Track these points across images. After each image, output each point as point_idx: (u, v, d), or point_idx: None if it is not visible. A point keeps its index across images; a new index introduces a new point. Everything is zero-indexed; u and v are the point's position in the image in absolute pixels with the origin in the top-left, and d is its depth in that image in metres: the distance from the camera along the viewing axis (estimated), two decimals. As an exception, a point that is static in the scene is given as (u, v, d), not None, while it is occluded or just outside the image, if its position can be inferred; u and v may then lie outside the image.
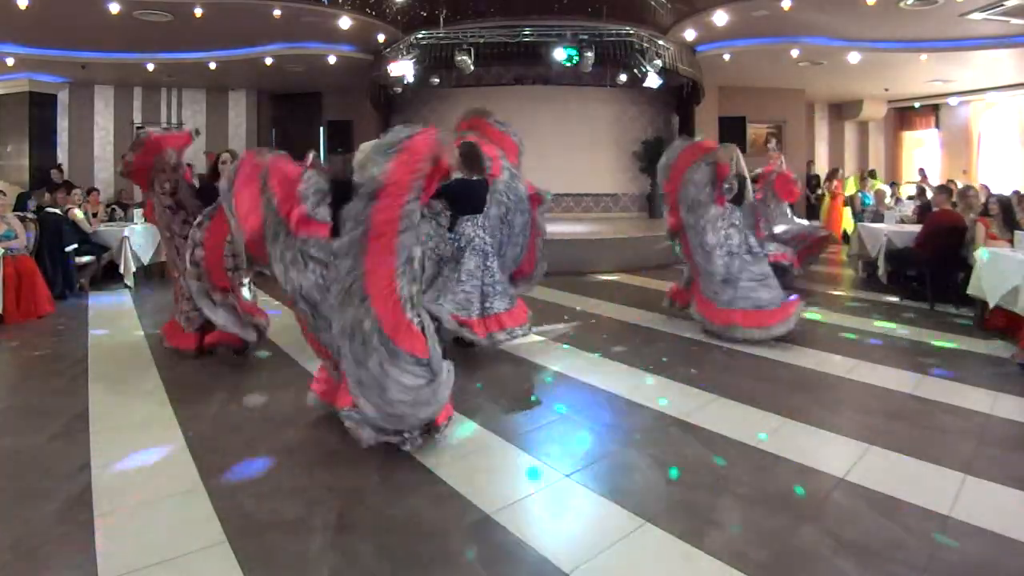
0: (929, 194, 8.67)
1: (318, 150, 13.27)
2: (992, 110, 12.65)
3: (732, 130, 11.67)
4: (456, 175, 4.75)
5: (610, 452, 3.04)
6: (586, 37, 9.88)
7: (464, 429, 3.31)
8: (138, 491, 2.62)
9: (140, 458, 2.95)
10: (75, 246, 7.03)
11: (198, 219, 4.42)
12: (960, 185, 7.90)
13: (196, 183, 5.13)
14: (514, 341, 4.56)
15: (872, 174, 12.82)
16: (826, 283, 7.77)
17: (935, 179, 11.95)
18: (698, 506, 2.56)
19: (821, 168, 13.80)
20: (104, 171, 12.38)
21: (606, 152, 12.30)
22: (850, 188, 12.24)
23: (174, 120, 12.95)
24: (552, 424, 3.40)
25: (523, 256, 4.82)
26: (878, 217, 9.08)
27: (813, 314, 5.94)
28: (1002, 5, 7.73)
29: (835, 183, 11.68)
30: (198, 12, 8.15)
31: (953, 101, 12.96)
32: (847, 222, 11.41)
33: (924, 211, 7.49)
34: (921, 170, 12.46)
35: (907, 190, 11.74)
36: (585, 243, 8.96)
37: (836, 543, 2.23)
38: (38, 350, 4.93)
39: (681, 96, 11.97)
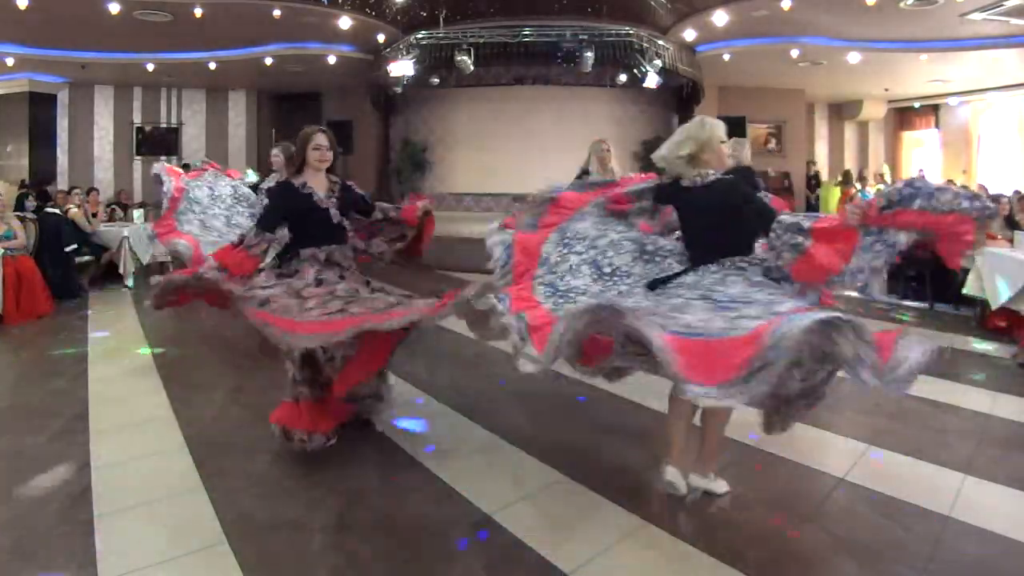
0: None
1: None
2: (992, 110, 12.65)
3: (732, 130, 11.63)
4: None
5: (610, 452, 3.04)
6: (586, 37, 9.89)
7: (464, 430, 3.31)
8: (138, 491, 2.61)
9: (140, 458, 2.95)
10: (75, 246, 7.03)
11: None
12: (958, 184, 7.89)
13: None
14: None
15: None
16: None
17: (935, 180, 11.93)
18: (698, 506, 2.55)
19: (821, 168, 13.80)
20: (104, 171, 12.39)
21: (607, 152, 12.31)
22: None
23: (174, 120, 12.96)
24: (552, 424, 3.40)
25: None
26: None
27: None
28: (1002, 5, 7.74)
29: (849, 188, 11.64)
30: (198, 12, 8.16)
31: (953, 101, 12.96)
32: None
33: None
34: (920, 171, 12.45)
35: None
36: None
37: (836, 543, 2.23)
38: (38, 350, 4.93)
39: (681, 96, 11.98)
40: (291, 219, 3.02)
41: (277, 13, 8.61)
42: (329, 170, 3.12)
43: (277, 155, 5.05)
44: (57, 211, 7.22)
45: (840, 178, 12.67)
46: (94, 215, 8.02)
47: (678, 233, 2.82)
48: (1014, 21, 8.27)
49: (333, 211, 3.04)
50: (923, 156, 13.90)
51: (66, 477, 2.74)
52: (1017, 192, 7.44)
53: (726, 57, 10.67)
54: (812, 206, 12.61)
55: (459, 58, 9.89)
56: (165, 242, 4.48)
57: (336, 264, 3.04)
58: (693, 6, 9.48)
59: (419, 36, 10.09)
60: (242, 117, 13.19)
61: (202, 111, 13.07)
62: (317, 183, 3.07)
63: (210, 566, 2.12)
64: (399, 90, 11.23)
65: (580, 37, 9.88)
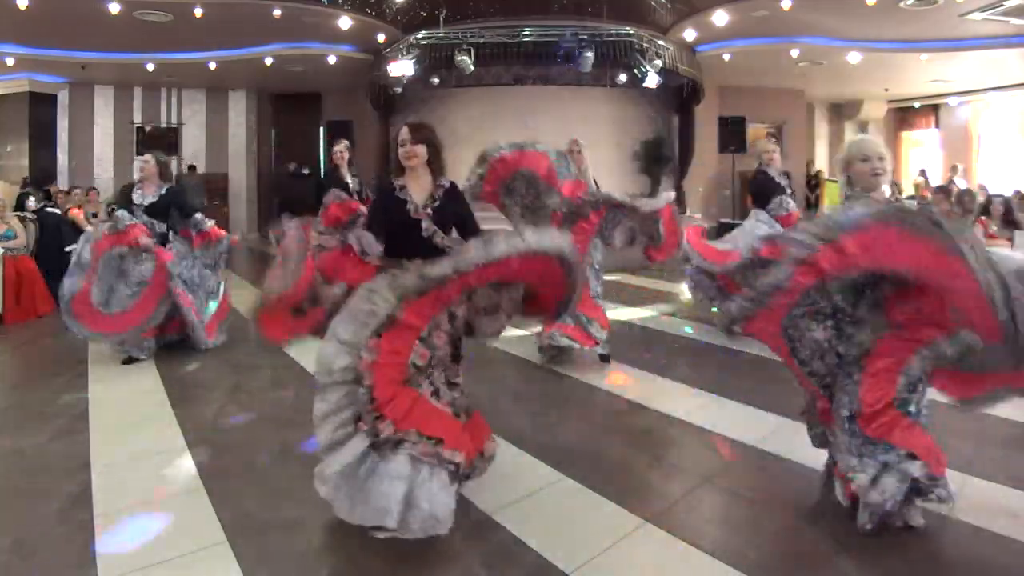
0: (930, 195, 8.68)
1: (317, 150, 13.28)
2: (992, 110, 12.65)
3: (732, 130, 11.67)
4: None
5: (610, 452, 3.04)
6: (586, 37, 9.89)
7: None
8: (138, 491, 2.62)
9: (140, 458, 2.95)
10: (75, 246, 7.01)
11: None
12: (961, 186, 7.90)
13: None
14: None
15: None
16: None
17: (935, 179, 11.95)
18: (698, 506, 2.55)
19: (821, 168, 13.80)
20: (104, 171, 12.38)
21: (606, 152, 12.28)
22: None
23: (174, 120, 12.95)
24: (551, 424, 3.40)
25: None
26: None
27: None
28: (1002, 5, 7.75)
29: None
30: (198, 12, 8.16)
31: (953, 101, 12.97)
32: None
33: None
34: (922, 171, 12.46)
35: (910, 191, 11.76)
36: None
37: (836, 543, 2.23)
38: (38, 350, 4.93)
39: (681, 96, 11.97)
40: (388, 226, 2.54)
41: (277, 13, 8.61)
42: (437, 170, 2.62)
43: (147, 161, 4.70)
44: (57, 211, 7.22)
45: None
46: (94, 215, 8.01)
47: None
48: (1014, 21, 8.27)
49: (426, 223, 2.48)
50: (923, 156, 13.90)
51: (66, 477, 2.74)
52: (1017, 192, 7.44)
53: (726, 57, 10.67)
54: (812, 206, 12.63)
55: (459, 58, 9.90)
56: None
57: None
58: (693, 6, 9.48)
59: (419, 36, 10.09)
60: (242, 117, 13.19)
61: (202, 111, 13.07)
62: (417, 186, 2.57)
63: (210, 566, 2.12)
64: (399, 90, 11.23)
65: (580, 37, 9.88)
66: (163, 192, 4.63)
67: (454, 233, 2.65)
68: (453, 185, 2.67)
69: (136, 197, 4.61)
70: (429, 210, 2.53)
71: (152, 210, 4.57)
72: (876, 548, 2.20)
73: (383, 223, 2.55)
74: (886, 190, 2.48)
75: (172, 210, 4.68)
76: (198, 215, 4.86)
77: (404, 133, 2.57)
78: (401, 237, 2.49)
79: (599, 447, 3.10)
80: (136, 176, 4.91)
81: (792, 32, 9.57)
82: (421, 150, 2.56)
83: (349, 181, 5.29)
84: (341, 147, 5.43)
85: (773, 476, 2.77)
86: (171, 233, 4.66)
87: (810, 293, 2.25)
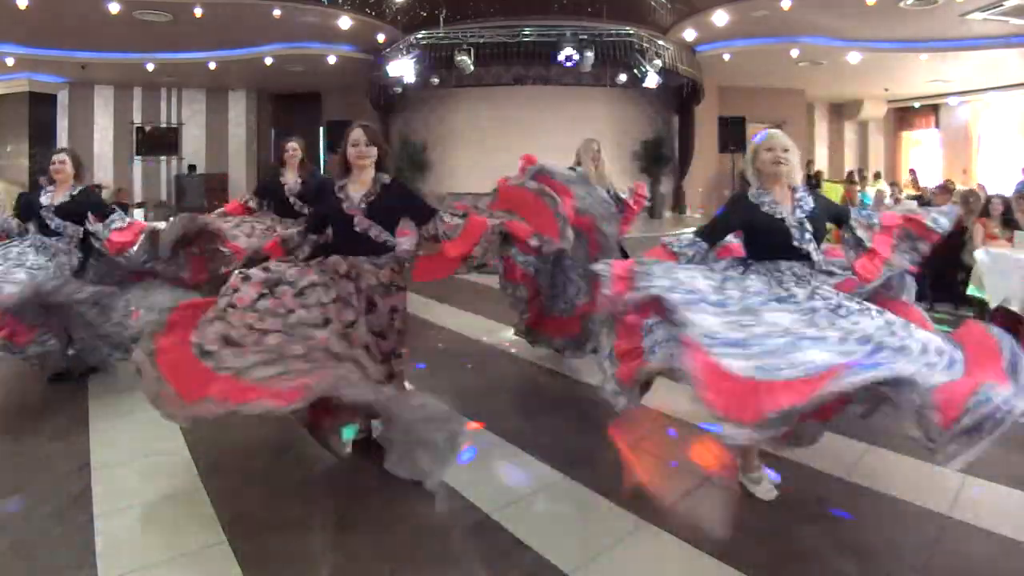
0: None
1: (318, 150, 13.28)
2: (992, 110, 12.65)
3: (732, 130, 11.68)
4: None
5: (610, 452, 3.04)
6: (586, 37, 9.91)
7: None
8: (138, 491, 2.61)
9: (140, 458, 2.95)
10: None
11: None
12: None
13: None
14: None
15: (877, 176, 12.81)
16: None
17: (934, 179, 11.95)
18: (698, 506, 2.55)
19: (821, 168, 13.80)
20: (104, 171, 12.39)
21: (606, 152, 12.23)
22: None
23: (174, 120, 12.96)
24: (552, 424, 3.39)
25: None
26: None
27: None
28: (1002, 5, 7.75)
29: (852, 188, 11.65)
30: (198, 12, 8.17)
31: (953, 101, 12.97)
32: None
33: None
34: (912, 171, 12.45)
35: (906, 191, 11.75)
36: (585, 243, 8.95)
37: (836, 543, 2.23)
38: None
39: (681, 96, 11.99)
40: (326, 222, 2.77)
41: (277, 13, 8.63)
42: (380, 168, 2.78)
43: (64, 161, 3.94)
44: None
45: (847, 174, 12.65)
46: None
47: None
48: (1014, 21, 8.28)
49: (358, 218, 2.66)
50: (923, 156, 13.90)
51: (66, 477, 2.73)
52: (1018, 192, 7.42)
53: (726, 57, 10.69)
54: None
55: (459, 58, 9.91)
56: None
57: (355, 279, 2.63)
58: (693, 6, 9.49)
59: (419, 36, 10.11)
60: (242, 117, 13.21)
61: (202, 111, 13.08)
62: (358, 184, 2.74)
63: (210, 566, 2.12)
64: (399, 90, 11.25)
65: (580, 37, 9.89)
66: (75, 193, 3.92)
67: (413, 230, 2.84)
68: (394, 181, 2.81)
69: (45, 198, 3.91)
70: (363, 205, 2.68)
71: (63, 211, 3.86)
72: (876, 548, 2.20)
73: (322, 219, 2.82)
74: (795, 183, 2.59)
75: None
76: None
77: (360, 135, 2.71)
78: (341, 233, 2.70)
79: (599, 447, 3.10)
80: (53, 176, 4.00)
81: (792, 32, 9.59)
82: (374, 152, 2.73)
83: (288, 182, 4.68)
84: (290, 145, 4.78)
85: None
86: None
87: None
